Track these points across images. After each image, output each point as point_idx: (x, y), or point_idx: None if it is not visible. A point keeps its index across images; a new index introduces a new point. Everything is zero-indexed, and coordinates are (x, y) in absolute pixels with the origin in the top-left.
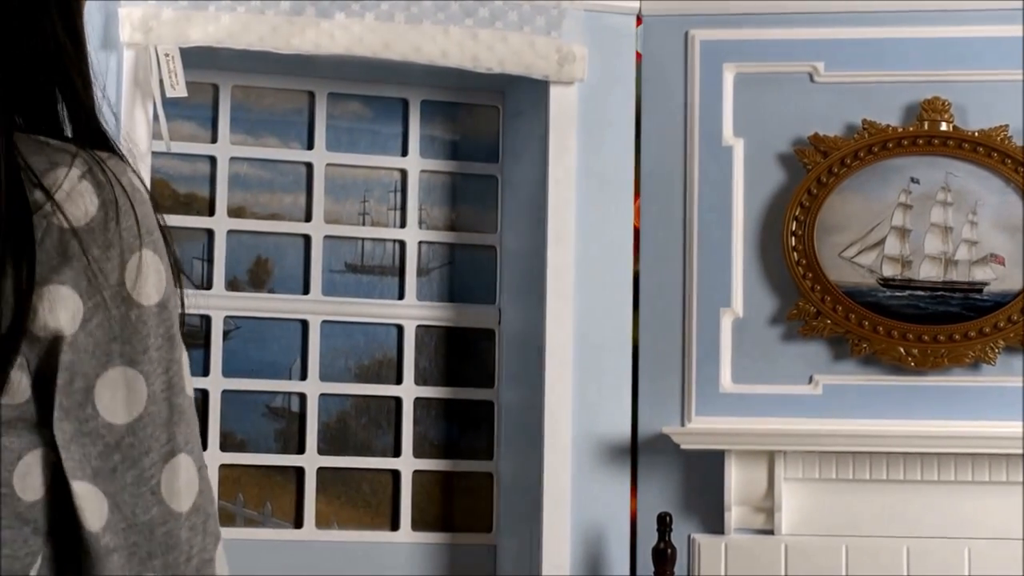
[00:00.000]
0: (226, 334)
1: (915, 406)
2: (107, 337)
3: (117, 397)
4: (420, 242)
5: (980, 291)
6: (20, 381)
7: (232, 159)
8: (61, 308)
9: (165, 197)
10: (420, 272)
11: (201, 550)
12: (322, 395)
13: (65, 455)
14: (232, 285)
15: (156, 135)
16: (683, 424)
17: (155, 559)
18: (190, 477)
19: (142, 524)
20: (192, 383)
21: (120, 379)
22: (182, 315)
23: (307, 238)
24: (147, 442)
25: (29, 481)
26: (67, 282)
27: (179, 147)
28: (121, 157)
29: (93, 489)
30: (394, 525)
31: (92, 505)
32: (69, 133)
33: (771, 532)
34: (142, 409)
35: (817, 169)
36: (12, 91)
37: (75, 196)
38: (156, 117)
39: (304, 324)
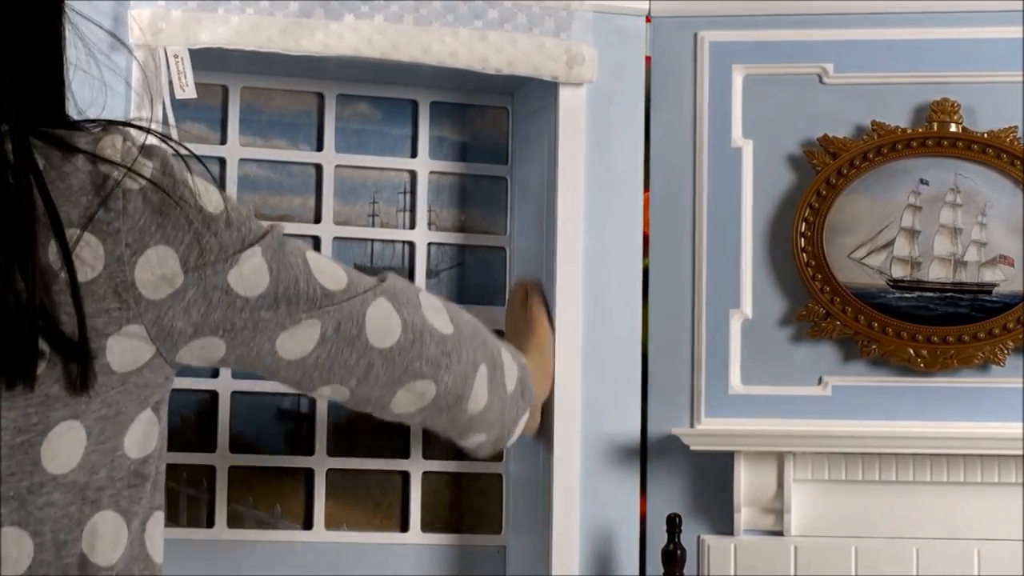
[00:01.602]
0: None
1: (925, 407)
2: (217, 257)
3: (301, 341)
4: (429, 243)
5: (989, 292)
6: (135, 350)
7: (241, 160)
8: (164, 266)
9: None
10: (429, 273)
11: (430, 359)
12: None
13: (294, 378)
14: None
15: None
16: (692, 425)
17: (403, 384)
18: (389, 314)
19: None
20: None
21: (260, 264)
22: None
23: (316, 240)
24: (348, 304)
25: (138, 438)
26: (160, 240)
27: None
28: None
29: (334, 388)
30: (404, 526)
31: (336, 392)
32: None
33: (780, 533)
34: (314, 274)
35: (826, 170)
36: (24, 88)
37: (133, 158)
38: (165, 119)
39: None
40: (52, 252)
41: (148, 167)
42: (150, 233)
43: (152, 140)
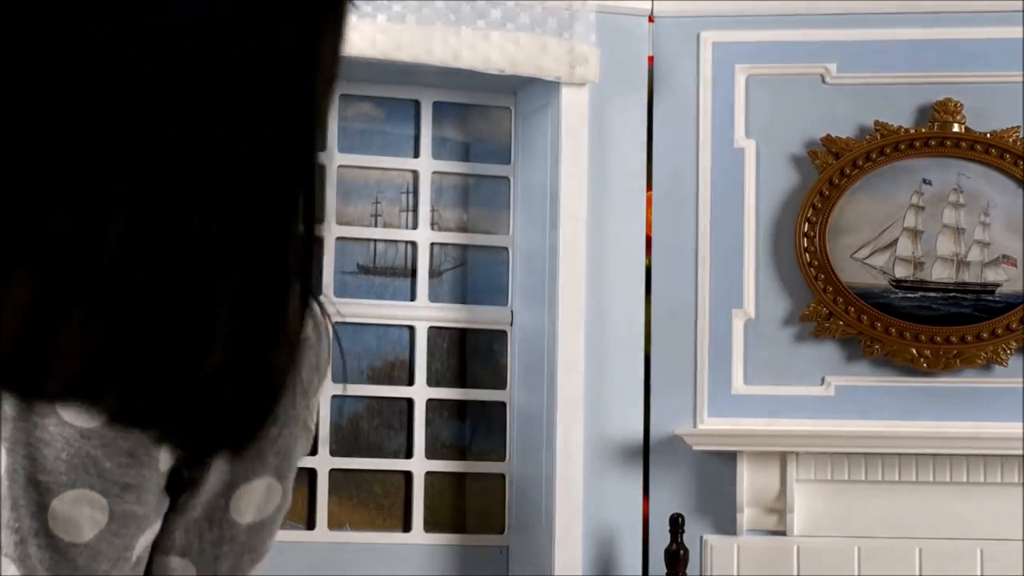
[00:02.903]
0: None
1: (927, 407)
2: (271, 451)
3: (252, 502)
4: (432, 243)
5: (992, 292)
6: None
7: None
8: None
9: None
10: (432, 273)
11: None
12: (334, 396)
13: (176, 532)
14: None
15: None
16: (695, 425)
17: None
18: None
19: None
20: None
21: (263, 488)
22: None
23: (319, 240)
24: (256, 544)
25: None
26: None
27: None
28: None
29: (186, 563)
30: (406, 526)
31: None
32: None
33: (783, 533)
34: (266, 516)
35: (829, 170)
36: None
37: (324, 324)
38: None
39: None
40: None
41: (303, 331)
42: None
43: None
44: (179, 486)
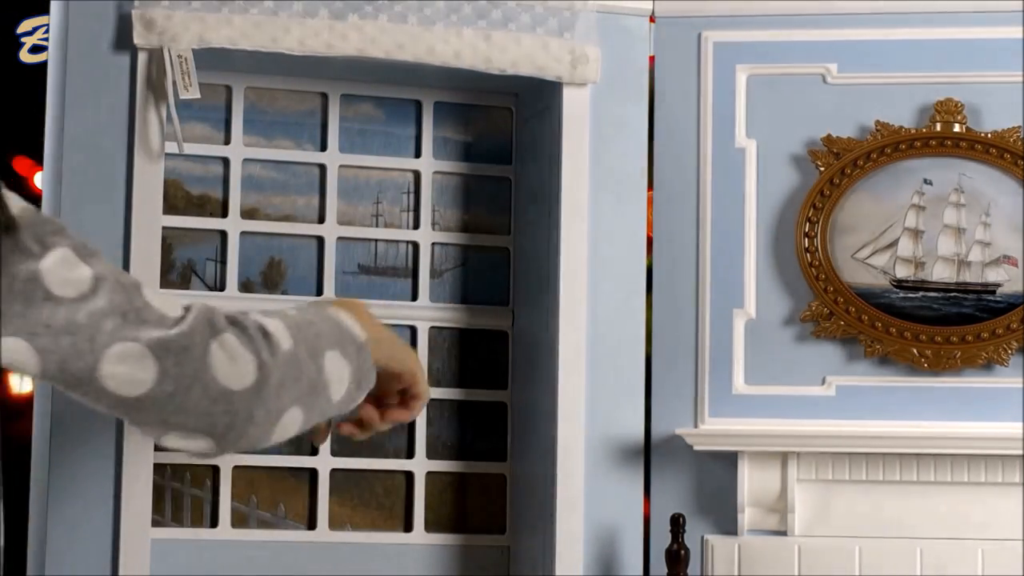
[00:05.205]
0: None
1: (928, 407)
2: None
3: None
4: (433, 244)
5: (993, 292)
6: None
7: (245, 160)
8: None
9: (178, 199)
10: (433, 274)
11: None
12: None
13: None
14: (245, 287)
15: (169, 137)
16: (696, 425)
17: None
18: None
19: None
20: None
21: (60, 258)
22: None
23: (320, 240)
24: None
25: None
26: None
27: (192, 149)
28: None
29: (26, 345)
30: (407, 526)
31: (23, 358)
32: None
33: (784, 533)
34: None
35: (830, 170)
36: None
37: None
38: (169, 119)
39: None
40: None
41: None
42: None
43: None
44: None
